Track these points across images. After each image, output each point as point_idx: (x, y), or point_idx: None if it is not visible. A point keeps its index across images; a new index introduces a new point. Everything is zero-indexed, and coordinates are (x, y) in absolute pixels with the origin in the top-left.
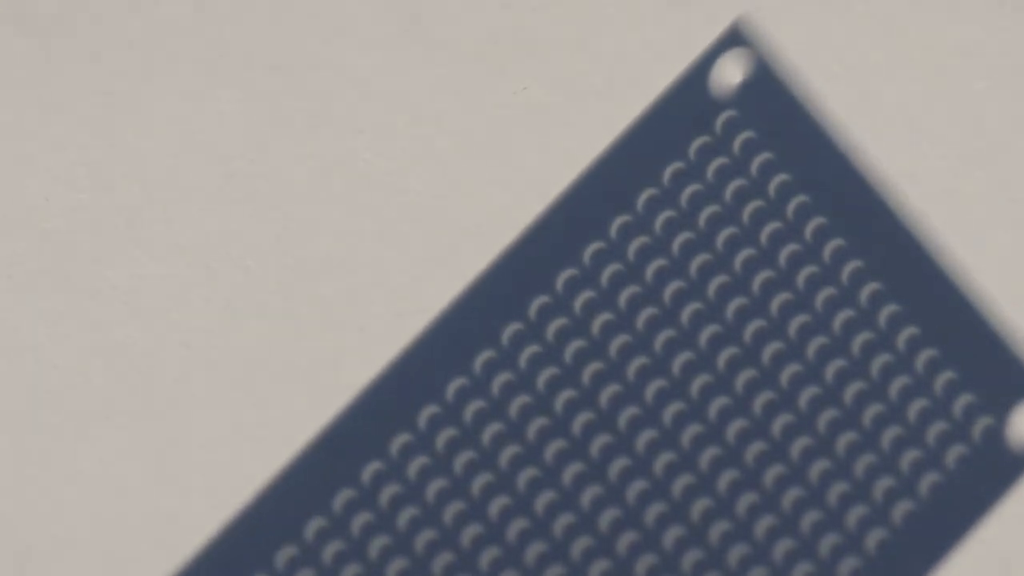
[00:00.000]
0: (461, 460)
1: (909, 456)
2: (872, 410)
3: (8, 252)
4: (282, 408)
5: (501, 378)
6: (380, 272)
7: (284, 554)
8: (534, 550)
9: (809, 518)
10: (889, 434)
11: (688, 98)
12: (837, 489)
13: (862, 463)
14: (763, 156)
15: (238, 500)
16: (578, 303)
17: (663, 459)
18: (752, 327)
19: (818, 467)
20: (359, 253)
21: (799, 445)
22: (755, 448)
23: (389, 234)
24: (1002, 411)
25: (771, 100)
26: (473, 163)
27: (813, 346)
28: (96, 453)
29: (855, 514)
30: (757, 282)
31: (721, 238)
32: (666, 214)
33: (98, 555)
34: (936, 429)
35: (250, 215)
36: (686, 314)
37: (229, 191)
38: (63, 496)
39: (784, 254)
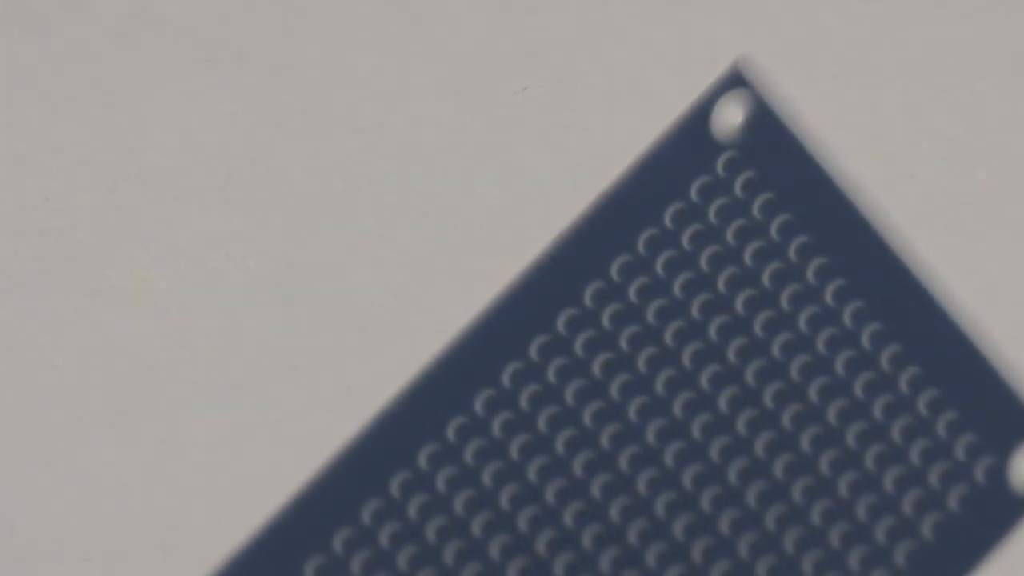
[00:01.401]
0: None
1: (911, 496)
2: (874, 450)
3: (8, 252)
4: (282, 408)
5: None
6: (380, 272)
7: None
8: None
9: (810, 558)
10: (891, 474)
11: (689, 138)
12: (838, 529)
13: (863, 503)
14: (764, 196)
15: (238, 500)
16: (578, 344)
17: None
18: (753, 367)
19: (819, 507)
20: (359, 253)
21: (800, 485)
22: (755, 487)
23: (389, 234)
24: (1004, 450)
25: (773, 140)
26: (473, 163)
27: (815, 387)
28: (96, 453)
29: (857, 554)
30: (759, 322)
31: (722, 278)
32: (667, 253)
33: (98, 555)
34: (938, 468)
35: (250, 215)
36: (687, 354)
37: (229, 191)
38: (63, 496)
39: (785, 294)
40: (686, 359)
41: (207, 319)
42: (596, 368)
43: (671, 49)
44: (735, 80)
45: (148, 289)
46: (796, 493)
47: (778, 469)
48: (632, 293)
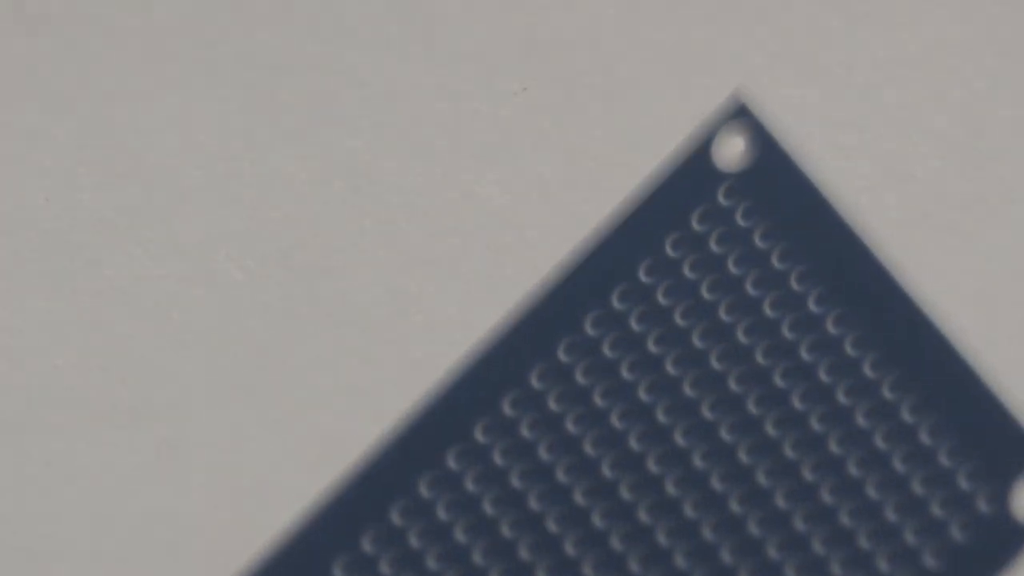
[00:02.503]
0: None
1: (912, 526)
2: (875, 478)
3: (8, 252)
4: (282, 408)
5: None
6: (380, 272)
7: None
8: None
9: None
10: (892, 504)
11: (689, 167)
12: (839, 556)
13: (864, 533)
14: (765, 225)
15: (238, 500)
16: (579, 371)
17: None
18: (755, 395)
19: (820, 535)
20: (359, 253)
21: (802, 511)
22: (757, 516)
23: (389, 234)
24: (1006, 481)
25: (774, 169)
26: (473, 163)
27: (815, 415)
28: (96, 453)
29: None
30: (760, 351)
31: (723, 307)
32: (666, 283)
33: (98, 555)
34: (940, 499)
35: (250, 215)
36: (688, 382)
37: (229, 191)
38: (63, 496)
39: (787, 323)
40: (687, 388)
41: (207, 319)
42: (597, 396)
43: (671, 49)
44: (736, 109)
45: (148, 289)
46: (797, 524)
47: (779, 500)
48: (633, 321)
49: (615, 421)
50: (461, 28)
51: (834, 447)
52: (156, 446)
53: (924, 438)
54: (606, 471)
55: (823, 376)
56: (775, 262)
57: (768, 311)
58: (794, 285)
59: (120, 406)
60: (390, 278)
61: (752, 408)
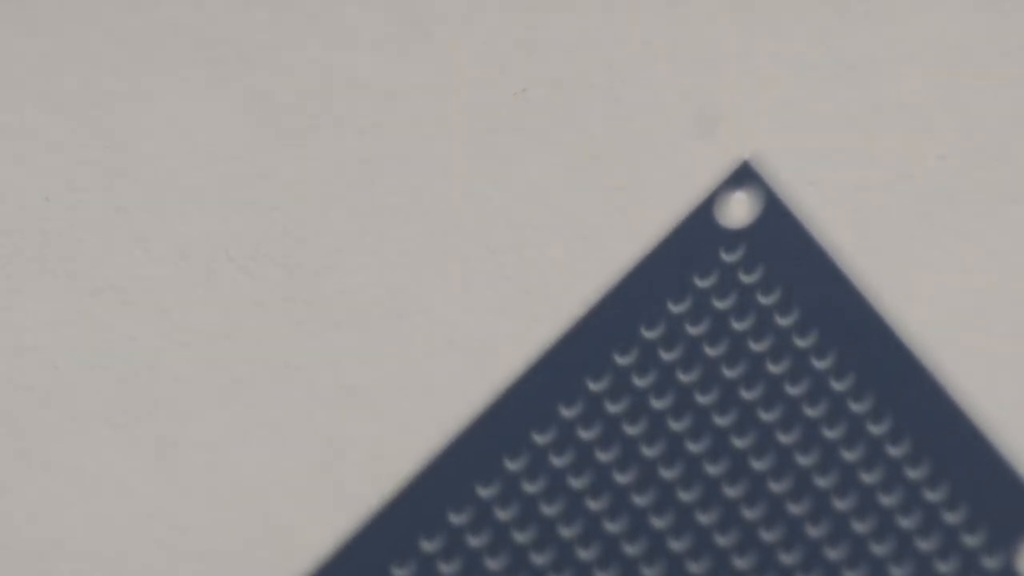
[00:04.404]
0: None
1: None
2: (880, 548)
3: (8, 252)
4: (282, 408)
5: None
6: (380, 272)
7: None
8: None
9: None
10: (899, 571)
11: (695, 235)
12: None
13: None
14: (771, 295)
15: (237, 500)
16: (582, 436)
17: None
18: (759, 465)
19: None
20: (359, 253)
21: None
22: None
23: (389, 234)
24: (1012, 547)
25: (779, 238)
26: (473, 163)
27: (821, 483)
28: (96, 453)
29: None
30: (765, 418)
31: (728, 374)
32: (674, 354)
33: (98, 555)
34: (947, 566)
35: (250, 215)
36: (692, 450)
37: (229, 191)
38: (63, 496)
39: (793, 391)
40: (692, 452)
41: (207, 319)
42: (602, 459)
43: (671, 49)
44: (742, 177)
45: (148, 289)
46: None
47: (787, 562)
48: (639, 385)
49: (618, 478)
50: (461, 28)
51: (840, 512)
52: (156, 446)
53: (931, 505)
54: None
55: (828, 442)
56: (780, 329)
57: (773, 377)
58: (798, 351)
59: (120, 406)
60: (390, 278)
61: (755, 465)
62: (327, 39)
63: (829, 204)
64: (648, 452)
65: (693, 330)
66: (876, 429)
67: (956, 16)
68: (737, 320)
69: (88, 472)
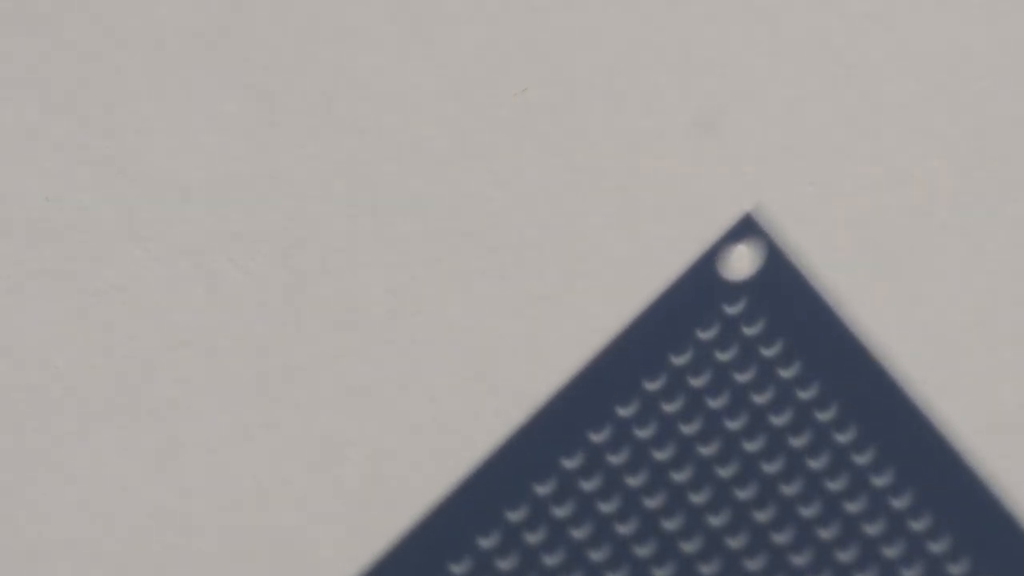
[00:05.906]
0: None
1: None
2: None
3: (8, 252)
4: (282, 408)
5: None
6: (380, 272)
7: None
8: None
9: None
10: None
11: (697, 287)
12: None
13: None
14: (773, 347)
15: (237, 500)
16: (586, 483)
17: None
18: (761, 516)
19: None
20: (359, 253)
21: None
22: None
23: (389, 234)
24: None
25: (781, 291)
26: (473, 163)
27: (825, 534)
28: (96, 453)
29: None
30: (767, 470)
31: (731, 427)
32: (676, 405)
33: (98, 555)
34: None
35: (250, 215)
36: (694, 500)
37: (229, 191)
38: (63, 496)
39: (795, 443)
40: (694, 502)
41: (207, 319)
42: (602, 509)
43: (671, 50)
44: (744, 230)
45: (148, 289)
46: None
47: None
48: (640, 436)
49: (621, 529)
50: (461, 29)
51: (843, 562)
52: (156, 446)
53: (933, 556)
54: None
55: (831, 495)
56: (782, 382)
57: (776, 430)
58: (801, 404)
59: (120, 406)
60: (390, 278)
61: (759, 517)
62: (328, 39)
63: (829, 204)
64: (649, 503)
65: (695, 381)
66: (879, 481)
67: (956, 16)
68: (739, 372)
69: (88, 472)
